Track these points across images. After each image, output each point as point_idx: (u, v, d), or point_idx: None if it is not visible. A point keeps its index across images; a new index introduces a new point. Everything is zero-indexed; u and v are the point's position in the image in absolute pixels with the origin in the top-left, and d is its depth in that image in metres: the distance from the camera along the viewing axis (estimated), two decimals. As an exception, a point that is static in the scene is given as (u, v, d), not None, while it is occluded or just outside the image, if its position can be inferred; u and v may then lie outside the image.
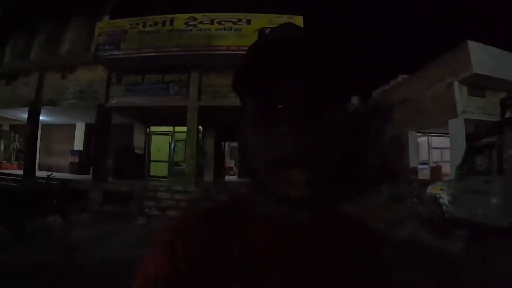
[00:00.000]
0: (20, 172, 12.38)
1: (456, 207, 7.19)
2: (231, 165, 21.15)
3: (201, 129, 13.65)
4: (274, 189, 0.50)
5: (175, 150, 14.12)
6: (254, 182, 0.56)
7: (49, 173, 10.16)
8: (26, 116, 12.24)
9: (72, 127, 14.95)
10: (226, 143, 17.73)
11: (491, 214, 6.00)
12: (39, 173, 11.62)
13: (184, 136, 11.54)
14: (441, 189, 7.92)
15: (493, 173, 6.24)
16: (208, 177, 14.11)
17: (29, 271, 4.31)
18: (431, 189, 8.60)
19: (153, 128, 14.45)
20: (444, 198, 7.60)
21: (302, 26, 8.61)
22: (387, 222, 7.61)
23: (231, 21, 10.11)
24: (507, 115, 7.39)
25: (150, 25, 10.44)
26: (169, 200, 9.38)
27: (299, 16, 10.23)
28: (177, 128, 13.51)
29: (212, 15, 10.28)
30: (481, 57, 11.90)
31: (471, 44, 12.24)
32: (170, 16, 10.42)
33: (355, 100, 17.21)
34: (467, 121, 11.78)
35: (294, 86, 0.47)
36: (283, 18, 9.88)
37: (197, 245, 0.49)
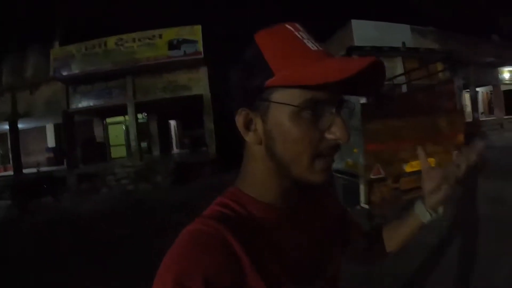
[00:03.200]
0: (4, 173, 17.55)
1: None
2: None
3: (146, 115, 19.23)
4: (306, 175, 0.61)
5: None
6: (281, 172, 0.63)
7: (38, 167, 15.76)
8: (6, 127, 17.05)
9: (43, 128, 19.94)
10: (172, 122, 22.66)
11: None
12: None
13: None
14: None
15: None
16: (156, 152, 19.44)
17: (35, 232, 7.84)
18: None
19: (109, 120, 19.44)
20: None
21: (201, 34, 14.06)
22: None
23: (147, 37, 14.81)
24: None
25: (90, 48, 15.09)
26: (122, 173, 14.15)
27: (198, 26, 14.85)
28: (127, 117, 17.25)
29: (133, 35, 14.91)
30: (362, 31, 15.93)
31: (354, 22, 16.62)
32: (104, 39, 15.08)
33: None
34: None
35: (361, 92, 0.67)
36: (186, 29, 14.74)
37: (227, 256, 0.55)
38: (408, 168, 5.76)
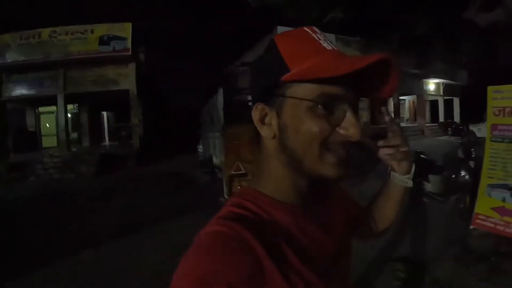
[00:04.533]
0: None
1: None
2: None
3: (77, 106, 20.01)
4: (317, 168, 0.65)
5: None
6: (293, 166, 0.68)
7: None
8: None
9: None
10: (106, 114, 23.30)
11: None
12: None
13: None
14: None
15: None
16: (86, 143, 20.22)
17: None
18: None
19: (41, 109, 20.07)
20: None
21: (131, 31, 15.49)
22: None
23: (80, 32, 15.81)
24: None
25: (25, 38, 15.88)
26: (50, 163, 15.03)
27: (129, 23, 16.20)
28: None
29: (67, 28, 15.83)
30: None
31: (280, 28, 18.03)
32: (39, 30, 15.93)
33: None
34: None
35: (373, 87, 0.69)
36: (117, 26, 15.92)
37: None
38: None
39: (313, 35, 0.68)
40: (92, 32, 16.05)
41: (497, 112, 3.96)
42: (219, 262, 0.54)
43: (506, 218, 4.22)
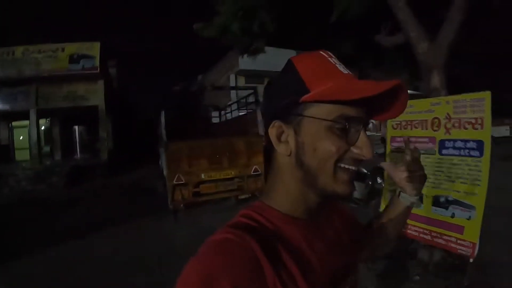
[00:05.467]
0: None
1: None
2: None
3: (49, 120, 20.58)
4: (331, 184, 0.69)
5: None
6: (307, 182, 0.72)
7: None
8: None
9: None
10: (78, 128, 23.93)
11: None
12: None
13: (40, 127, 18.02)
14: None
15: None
16: (58, 156, 20.90)
17: None
18: None
19: (15, 123, 20.53)
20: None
21: (99, 50, 16.58)
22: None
23: (51, 50, 16.61)
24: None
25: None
26: (22, 175, 15.69)
27: (97, 42, 17.07)
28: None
29: (39, 46, 16.61)
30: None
31: (231, 53, 18.92)
32: (13, 48, 16.67)
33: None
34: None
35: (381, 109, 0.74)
36: (86, 45, 16.84)
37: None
38: (205, 178, 8.19)
39: (329, 59, 0.73)
40: (63, 50, 16.92)
41: (395, 126, 4.18)
42: (225, 267, 0.58)
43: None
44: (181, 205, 8.27)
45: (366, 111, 0.70)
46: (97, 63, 16.79)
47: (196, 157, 8.09)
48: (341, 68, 0.72)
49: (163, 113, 8.40)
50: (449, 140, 3.36)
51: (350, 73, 0.72)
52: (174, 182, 7.89)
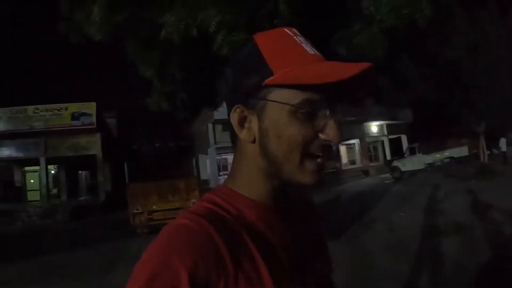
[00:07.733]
0: None
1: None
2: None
3: (57, 167, 24.53)
4: (296, 175, 0.65)
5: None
6: (272, 171, 0.67)
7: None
8: None
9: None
10: (83, 172, 27.93)
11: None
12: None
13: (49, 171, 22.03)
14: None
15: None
16: (64, 196, 24.43)
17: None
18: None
19: (27, 168, 24.24)
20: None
21: (95, 109, 20.60)
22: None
23: (56, 109, 20.19)
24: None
25: (14, 113, 20.10)
26: (33, 212, 19.13)
27: (94, 102, 20.83)
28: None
29: (47, 106, 20.12)
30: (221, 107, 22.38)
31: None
32: (25, 107, 20.22)
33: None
34: (218, 149, 22.19)
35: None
36: (85, 105, 20.43)
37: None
38: (156, 207, 11.61)
39: (294, 37, 0.68)
40: (66, 109, 20.53)
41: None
42: (182, 254, 0.56)
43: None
44: (144, 230, 11.26)
45: (335, 93, 0.63)
46: (94, 119, 20.44)
47: (150, 193, 11.69)
48: (308, 48, 0.67)
49: (125, 164, 12.32)
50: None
51: (318, 53, 0.67)
52: (134, 211, 11.41)
